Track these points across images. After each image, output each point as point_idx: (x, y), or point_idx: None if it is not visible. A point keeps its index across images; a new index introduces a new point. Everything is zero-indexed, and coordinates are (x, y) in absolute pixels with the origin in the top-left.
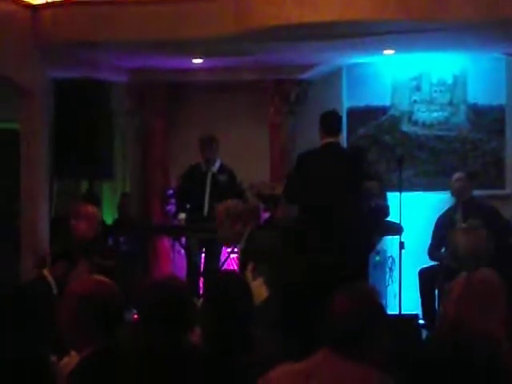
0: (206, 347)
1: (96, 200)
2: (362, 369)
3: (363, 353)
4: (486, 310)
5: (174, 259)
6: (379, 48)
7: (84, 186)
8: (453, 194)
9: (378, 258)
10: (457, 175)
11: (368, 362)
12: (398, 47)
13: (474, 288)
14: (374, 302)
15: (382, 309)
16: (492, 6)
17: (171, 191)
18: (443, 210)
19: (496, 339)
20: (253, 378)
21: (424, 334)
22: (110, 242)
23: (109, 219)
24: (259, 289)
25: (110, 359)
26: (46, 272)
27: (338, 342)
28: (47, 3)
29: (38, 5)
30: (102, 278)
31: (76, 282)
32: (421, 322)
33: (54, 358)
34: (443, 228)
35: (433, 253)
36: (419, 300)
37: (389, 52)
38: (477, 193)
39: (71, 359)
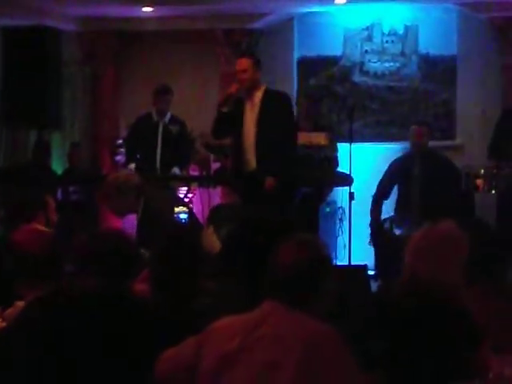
0: (155, 296)
1: (46, 150)
2: (307, 319)
3: (308, 303)
4: (443, 261)
5: None
6: None
7: (33, 136)
8: (411, 144)
9: (328, 209)
10: (416, 125)
11: (314, 313)
12: None
13: (431, 239)
14: (318, 252)
15: (327, 258)
16: None
17: (120, 141)
18: (397, 157)
19: (452, 287)
20: (198, 328)
21: (373, 285)
22: (60, 192)
23: (59, 169)
24: (213, 241)
25: (50, 306)
26: None
27: (282, 292)
28: None
29: None
30: (41, 228)
31: (17, 232)
32: (370, 272)
33: None
34: (396, 175)
35: (375, 203)
36: (370, 251)
37: (340, 1)
38: (429, 143)
39: (15, 309)
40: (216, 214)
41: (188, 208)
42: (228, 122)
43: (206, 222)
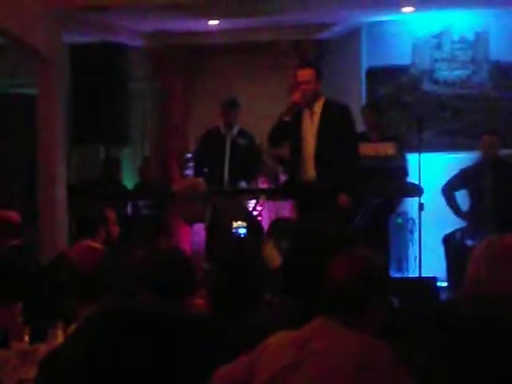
0: (213, 311)
1: (115, 165)
2: (359, 336)
3: (360, 319)
4: (508, 272)
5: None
6: (398, 5)
7: (103, 152)
8: (482, 154)
9: (399, 220)
10: (486, 135)
11: (365, 329)
12: (418, 4)
13: (495, 249)
14: (371, 267)
15: (380, 274)
16: None
17: (190, 155)
18: (469, 167)
19: None
20: (256, 344)
21: (444, 296)
22: (130, 207)
23: (129, 184)
24: (273, 255)
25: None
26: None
27: (334, 307)
28: None
29: None
30: (94, 245)
31: (71, 249)
32: (441, 284)
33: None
34: (468, 182)
35: (446, 190)
36: (442, 263)
37: (408, 10)
38: (501, 152)
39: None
40: (276, 228)
41: (252, 221)
42: (286, 130)
43: (266, 235)
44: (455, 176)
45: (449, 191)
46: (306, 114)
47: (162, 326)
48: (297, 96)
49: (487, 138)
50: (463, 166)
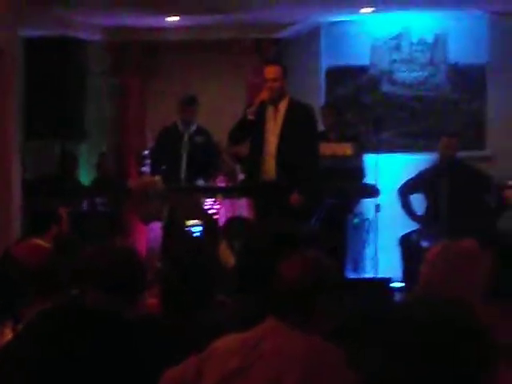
0: (164, 311)
1: (72, 161)
2: (308, 339)
3: (310, 321)
4: (459, 276)
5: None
6: (358, 6)
7: (59, 147)
8: (439, 156)
9: (356, 221)
10: (446, 136)
11: (316, 331)
12: (377, 5)
13: (449, 253)
14: (323, 270)
15: (332, 276)
16: None
17: (147, 152)
18: (426, 169)
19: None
20: (207, 341)
21: (399, 296)
22: (86, 203)
23: (86, 180)
24: (226, 255)
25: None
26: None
27: (285, 309)
28: None
29: None
30: (40, 243)
31: (16, 247)
32: (396, 285)
33: None
34: (424, 185)
35: (401, 191)
36: (398, 263)
37: (367, 10)
38: (458, 154)
39: None
40: (231, 227)
41: (208, 220)
42: (249, 129)
43: (221, 235)
44: (411, 178)
45: (404, 193)
46: (270, 113)
47: (113, 324)
48: (264, 94)
49: (446, 140)
50: (421, 167)
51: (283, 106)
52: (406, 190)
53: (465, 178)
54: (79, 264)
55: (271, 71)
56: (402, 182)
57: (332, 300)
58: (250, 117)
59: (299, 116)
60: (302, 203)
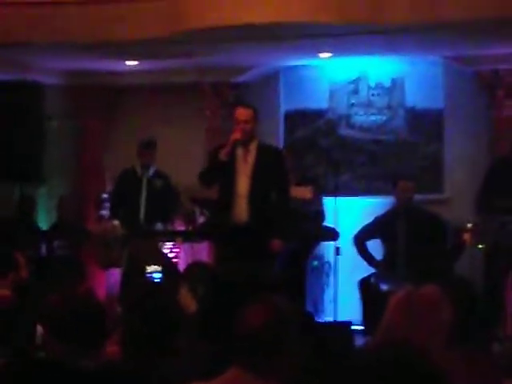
0: (124, 358)
1: (30, 204)
2: None
3: (273, 368)
4: (421, 323)
5: None
6: (316, 51)
7: (17, 190)
8: (396, 199)
9: (315, 263)
10: (402, 180)
11: (279, 377)
12: (335, 50)
13: (411, 301)
14: (285, 316)
15: (291, 321)
16: (426, 9)
17: (106, 195)
18: (382, 214)
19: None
20: None
21: (360, 340)
22: (44, 247)
23: (44, 224)
24: (187, 300)
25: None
26: None
27: (247, 357)
28: None
29: None
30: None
31: None
32: (356, 328)
33: None
34: (380, 230)
35: (358, 240)
36: (357, 306)
37: (326, 55)
38: (416, 197)
39: None
40: (192, 272)
41: (168, 265)
42: (220, 170)
43: (182, 280)
44: (367, 225)
45: (360, 241)
46: (240, 154)
47: (72, 376)
48: (237, 134)
49: (403, 184)
50: (380, 210)
51: (253, 147)
52: (362, 237)
53: (421, 221)
54: (41, 313)
55: (243, 113)
56: (358, 230)
57: (293, 345)
58: (224, 158)
59: (270, 158)
60: (281, 248)
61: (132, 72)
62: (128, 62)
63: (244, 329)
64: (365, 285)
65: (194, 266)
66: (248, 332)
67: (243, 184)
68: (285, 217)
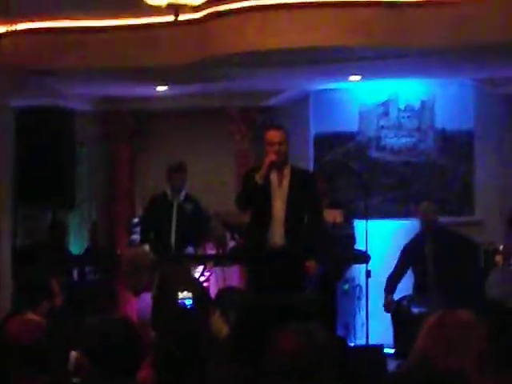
0: (159, 379)
1: (62, 229)
2: None
3: None
4: (455, 349)
5: None
6: (345, 74)
7: (50, 215)
8: (421, 222)
9: (346, 287)
10: (423, 204)
11: None
12: (364, 73)
13: (444, 327)
14: (319, 343)
15: (328, 350)
16: (455, 32)
17: (136, 220)
18: (410, 240)
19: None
20: None
21: (392, 363)
22: (76, 273)
23: (75, 248)
24: (219, 326)
25: None
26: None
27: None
28: (9, 31)
29: (0, 33)
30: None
31: (10, 323)
32: (388, 351)
33: None
34: (409, 257)
35: (389, 283)
36: (389, 329)
37: (355, 78)
38: (447, 220)
39: None
40: (223, 298)
41: (199, 290)
42: (255, 193)
43: (213, 305)
44: (396, 264)
45: (391, 287)
46: (274, 178)
47: None
48: (272, 156)
49: (424, 206)
50: (410, 232)
51: (287, 171)
52: (393, 281)
53: (449, 243)
54: (74, 338)
55: (276, 135)
56: (389, 274)
57: (328, 372)
58: (260, 181)
59: (304, 181)
60: (315, 270)
61: (161, 97)
62: (158, 88)
63: (277, 354)
64: (396, 308)
65: (226, 291)
66: (281, 358)
67: (279, 208)
68: (320, 239)
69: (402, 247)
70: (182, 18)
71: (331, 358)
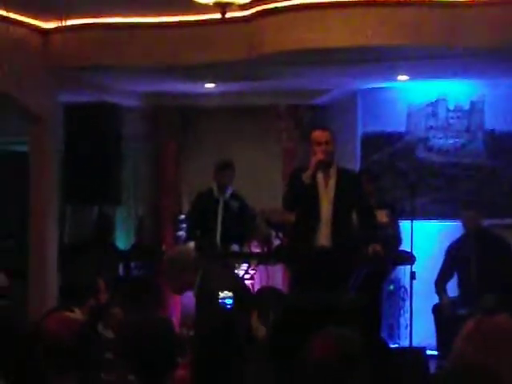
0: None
1: (108, 224)
2: None
3: None
4: (494, 352)
5: None
6: (393, 74)
7: (96, 211)
8: (464, 227)
9: (391, 288)
10: (468, 213)
11: None
12: (412, 73)
13: (482, 330)
14: (348, 348)
15: (357, 355)
16: (504, 32)
17: (183, 216)
18: (454, 240)
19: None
20: None
21: (434, 365)
22: (122, 268)
23: (122, 243)
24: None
25: None
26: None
27: None
28: (58, 27)
29: (49, 29)
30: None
31: (48, 320)
32: (431, 353)
33: None
34: (454, 260)
35: (438, 285)
36: (432, 331)
37: (403, 78)
38: (493, 222)
39: None
40: (261, 297)
41: (241, 290)
42: (302, 193)
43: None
44: (442, 265)
45: (440, 288)
46: (321, 178)
47: None
48: (320, 155)
49: (467, 214)
50: (456, 233)
51: (333, 171)
52: (441, 282)
53: (493, 246)
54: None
55: (323, 135)
56: (436, 277)
57: (362, 378)
58: (307, 181)
59: (350, 182)
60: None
61: (209, 94)
62: (206, 85)
63: (311, 358)
64: (439, 310)
65: (265, 291)
66: (314, 362)
67: (325, 209)
68: (373, 238)
69: (446, 249)
70: (229, 15)
71: (363, 365)
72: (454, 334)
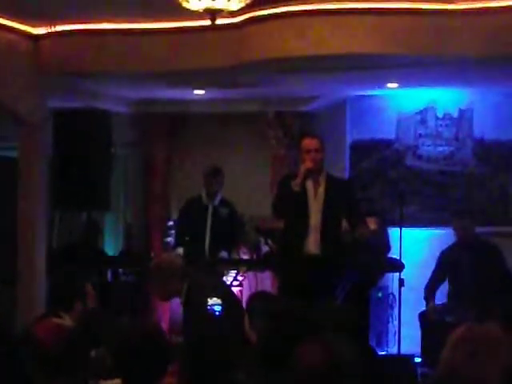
0: None
1: (96, 230)
2: None
3: None
4: (482, 361)
5: None
6: (382, 81)
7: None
8: (456, 236)
9: (379, 295)
10: (460, 221)
11: None
12: (402, 81)
13: (470, 338)
14: (342, 357)
15: (352, 363)
16: (494, 42)
17: (171, 223)
18: (447, 247)
19: None
20: None
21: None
22: (110, 273)
23: (110, 249)
24: (248, 331)
25: None
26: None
27: None
28: (48, 33)
29: (39, 35)
30: (61, 323)
31: (37, 327)
32: (418, 360)
33: None
34: (445, 267)
35: (427, 291)
36: (419, 340)
37: (393, 85)
38: (484, 230)
39: None
40: (251, 304)
41: (229, 297)
42: (291, 201)
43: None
44: (434, 271)
45: (429, 294)
46: (310, 186)
47: None
48: (308, 163)
49: (459, 223)
50: (445, 241)
51: (322, 179)
52: (431, 289)
53: (485, 254)
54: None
55: (312, 143)
56: (426, 283)
57: None
58: (296, 188)
59: (339, 189)
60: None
61: (198, 100)
62: (195, 91)
63: (299, 366)
64: (425, 316)
65: (254, 298)
66: (303, 370)
67: (314, 216)
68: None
69: (439, 255)
70: (219, 22)
71: (351, 373)
72: (440, 341)
